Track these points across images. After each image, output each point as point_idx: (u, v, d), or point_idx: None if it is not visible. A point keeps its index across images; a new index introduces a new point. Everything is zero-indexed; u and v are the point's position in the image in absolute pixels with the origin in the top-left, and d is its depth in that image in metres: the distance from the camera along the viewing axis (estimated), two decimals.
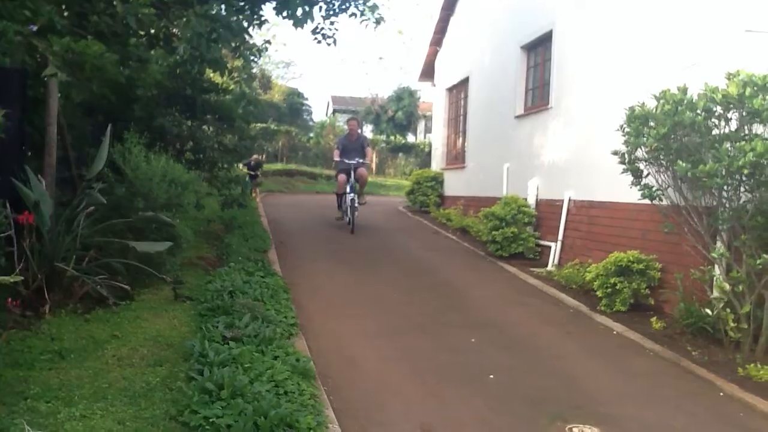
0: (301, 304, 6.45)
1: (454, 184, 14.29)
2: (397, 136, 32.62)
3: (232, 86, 10.05)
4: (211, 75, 9.41)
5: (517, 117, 10.98)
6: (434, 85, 16.38)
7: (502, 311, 6.96)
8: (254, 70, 11.96)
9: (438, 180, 14.95)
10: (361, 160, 11.53)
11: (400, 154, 30.78)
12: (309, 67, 64.49)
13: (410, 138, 34.97)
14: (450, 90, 15.29)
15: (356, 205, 11.28)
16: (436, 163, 15.83)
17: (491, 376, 5.00)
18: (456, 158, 14.78)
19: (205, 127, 9.34)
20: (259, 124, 17.00)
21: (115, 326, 5.02)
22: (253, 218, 10.82)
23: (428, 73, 16.45)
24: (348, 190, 11.35)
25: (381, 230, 12.14)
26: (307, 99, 43.04)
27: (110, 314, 5.26)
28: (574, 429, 4.12)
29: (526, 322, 6.62)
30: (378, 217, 14.19)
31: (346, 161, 11.35)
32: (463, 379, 4.94)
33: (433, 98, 16.98)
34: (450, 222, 12.46)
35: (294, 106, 39.53)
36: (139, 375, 4.20)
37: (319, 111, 45.59)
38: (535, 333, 6.27)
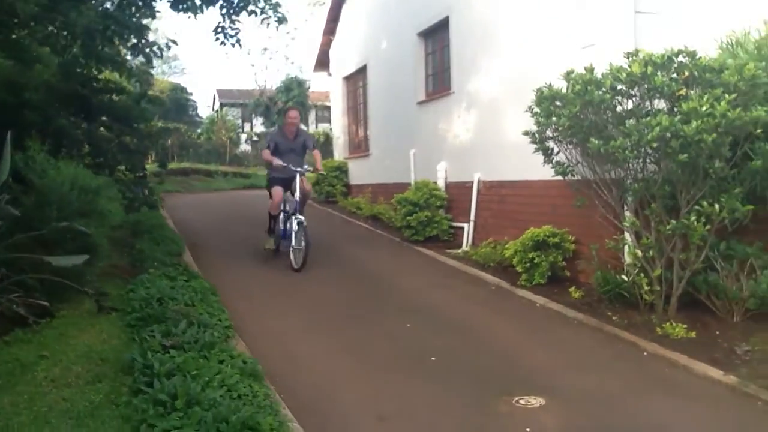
0: (230, 306, 6.28)
1: (360, 173, 14.35)
2: None
3: (127, 86, 9.59)
4: (107, 74, 8.94)
5: (419, 103, 11.16)
6: (330, 75, 16.33)
7: (429, 294, 7.10)
8: (132, 66, 11.30)
9: (342, 169, 14.95)
10: (309, 168, 8.71)
11: None
12: (191, 61, 62.47)
13: (302, 128, 34.67)
14: (347, 79, 15.29)
15: (306, 233, 7.87)
16: (339, 153, 15.82)
17: (433, 359, 5.11)
18: (359, 147, 14.84)
19: (102, 129, 8.87)
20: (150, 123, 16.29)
21: (41, 346, 4.71)
22: (159, 221, 10.38)
23: (323, 62, 16.36)
24: (288, 208, 8.35)
25: None
26: (191, 94, 41.76)
27: (32, 334, 4.91)
28: (521, 401, 4.29)
29: (453, 302, 6.79)
30: None
31: (292, 167, 8.15)
32: (407, 364, 5.02)
33: (330, 88, 16.92)
34: (360, 210, 12.52)
35: (179, 102, 38.22)
36: (79, 394, 3.98)
37: (204, 106, 44.31)
38: (464, 312, 6.45)
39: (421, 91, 11.22)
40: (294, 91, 34.29)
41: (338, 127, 16.13)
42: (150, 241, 8.42)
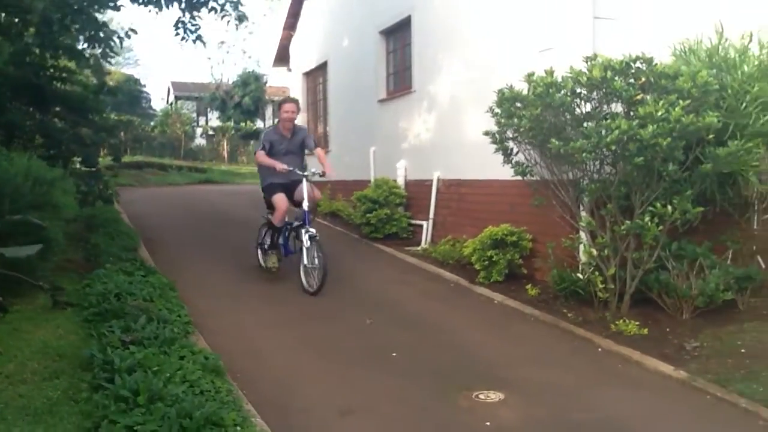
0: (189, 301, 6.22)
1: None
2: (248, 122, 31.99)
3: (80, 77, 9.34)
4: (63, 63, 8.71)
5: (380, 101, 11.20)
6: (290, 70, 16.22)
7: (389, 291, 7.17)
8: (90, 57, 10.97)
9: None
10: (318, 172, 7.27)
11: (252, 141, 30.26)
12: (145, 52, 61.29)
13: (259, 123, 34.47)
14: (307, 74, 15.22)
15: (322, 249, 6.72)
16: None
17: (394, 354, 5.16)
18: (318, 143, 14.78)
19: (56, 119, 8.64)
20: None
21: None
22: (114, 215, 10.21)
23: (283, 57, 16.23)
24: (294, 220, 7.25)
25: (250, 219, 11.88)
26: (144, 86, 41.10)
27: None
28: (480, 395, 4.37)
29: (413, 299, 6.87)
30: (244, 206, 13.97)
31: (298, 171, 7.06)
32: (368, 359, 5.07)
33: (290, 83, 16.79)
34: (318, 207, 12.46)
35: (132, 94, 37.53)
36: (36, 391, 3.90)
37: (158, 98, 43.56)
38: (424, 308, 6.53)
39: (382, 89, 11.26)
40: (251, 85, 34.06)
41: (297, 123, 16.03)
42: (105, 236, 8.28)
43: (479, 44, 8.30)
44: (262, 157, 7.11)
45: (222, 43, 36.39)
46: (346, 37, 12.74)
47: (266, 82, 34.50)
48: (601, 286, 6.01)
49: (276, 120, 7.72)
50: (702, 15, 6.39)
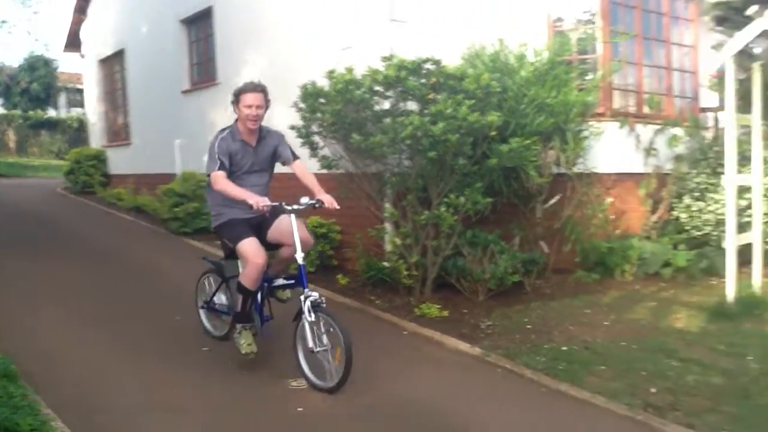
0: None
1: (120, 162, 13.57)
2: (38, 111, 29.24)
3: None
4: None
5: (184, 92, 10.88)
6: (83, 56, 15.15)
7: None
8: None
9: (100, 158, 14.03)
10: (313, 202, 4.79)
11: (44, 131, 27.76)
12: None
13: (51, 112, 31.65)
14: (103, 62, 14.30)
15: (337, 323, 4.24)
16: (96, 141, 14.79)
17: (205, 349, 5.15)
18: (119, 135, 14.00)
19: None
20: None
21: None
22: None
23: (74, 42, 15.13)
24: (278, 279, 4.75)
25: (43, 212, 11.05)
26: None
27: None
28: (293, 383, 4.51)
29: None
30: (38, 201, 12.95)
31: (286, 205, 4.64)
32: (177, 355, 5.01)
33: (84, 70, 15.69)
34: (121, 202, 11.89)
35: None
36: None
37: None
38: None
39: (185, 80, 10.93)
40: (40, 70, 31.04)
41: (94, 112, 15.05)
42: None
43: (284, 38, 8.36)
44: (223, 182, 4.53)
45: (3, 22, 32.70)
46: (144, 24, 12.16)
47: (57, 68, 31.70)
48: (405, 273, 6.37)
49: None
50: (487, 23, 6.97)
